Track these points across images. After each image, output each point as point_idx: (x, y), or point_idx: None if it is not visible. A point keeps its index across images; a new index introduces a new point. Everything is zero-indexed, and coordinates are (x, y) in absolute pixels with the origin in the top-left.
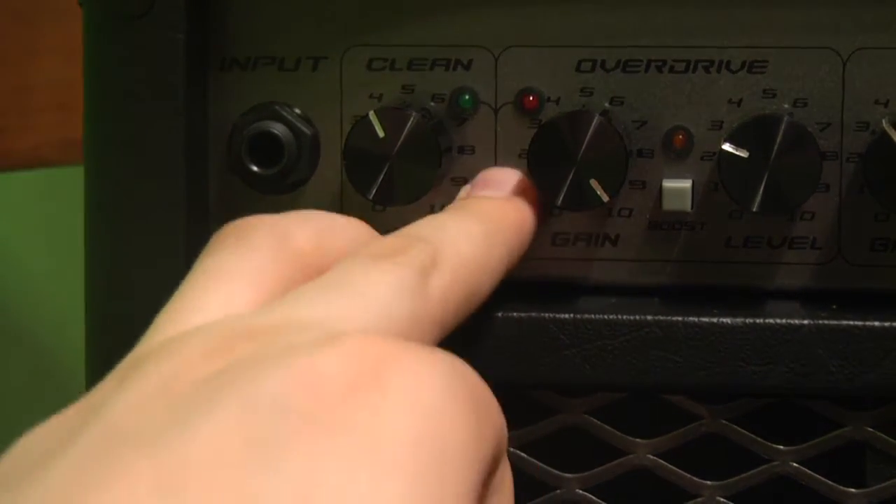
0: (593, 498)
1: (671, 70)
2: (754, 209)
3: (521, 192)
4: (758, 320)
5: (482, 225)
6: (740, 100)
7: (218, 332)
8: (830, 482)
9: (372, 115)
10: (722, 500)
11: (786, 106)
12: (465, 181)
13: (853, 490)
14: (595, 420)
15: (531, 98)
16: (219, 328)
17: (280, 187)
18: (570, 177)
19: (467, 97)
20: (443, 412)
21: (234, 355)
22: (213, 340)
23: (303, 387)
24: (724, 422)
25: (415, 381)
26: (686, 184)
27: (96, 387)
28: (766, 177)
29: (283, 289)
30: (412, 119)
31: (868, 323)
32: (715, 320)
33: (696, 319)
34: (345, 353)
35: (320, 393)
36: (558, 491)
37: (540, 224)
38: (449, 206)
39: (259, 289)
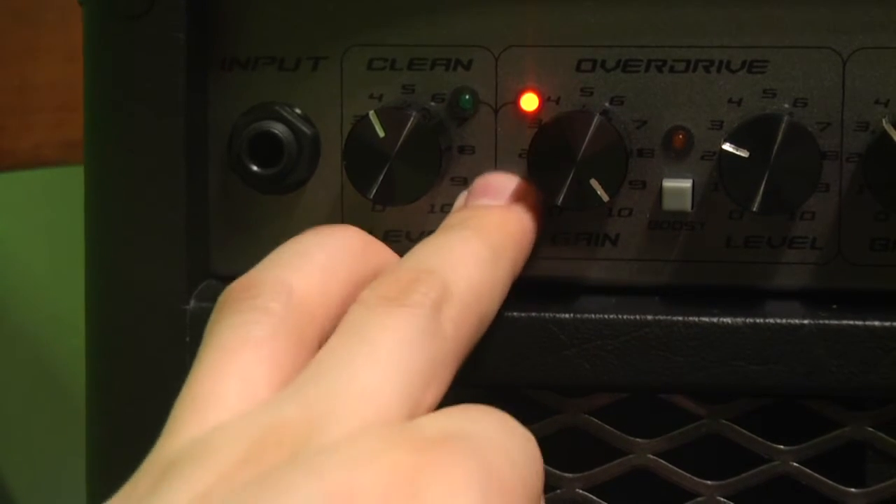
0: (593, 498)
1: (671, 70)
2: (754, 209)
3: (520, 198)
4: (758, 320)
5: (487, 244)
6: (740, 100)
7: (246, 437)
8: (830, 482)
9: (372, 115)
10: (722, 499)
11: (786, 106)
12: (465, 181)
13: (853, 490)
14: (595, 420)
15: (531, 98)
16: (245, 430)
17: (280, 187)
18: (571, 177)
19: (467, 97)
20: None
21: (265, 463)
22: (243, 447)
23: (339, 501)
24: (724, 422)
25: (452, 497)
26: (686, 184)
27: (129, 484)
28: (766, 177)
29: (300, 353)
30: (412, 119)
31: (868, 323)
32: (715, 320)
33: (696, 319)
34: (380, 468)
35: None
36: (558, 491)
37: (540, 229)
38: (449, 221)
39: (275, 361)
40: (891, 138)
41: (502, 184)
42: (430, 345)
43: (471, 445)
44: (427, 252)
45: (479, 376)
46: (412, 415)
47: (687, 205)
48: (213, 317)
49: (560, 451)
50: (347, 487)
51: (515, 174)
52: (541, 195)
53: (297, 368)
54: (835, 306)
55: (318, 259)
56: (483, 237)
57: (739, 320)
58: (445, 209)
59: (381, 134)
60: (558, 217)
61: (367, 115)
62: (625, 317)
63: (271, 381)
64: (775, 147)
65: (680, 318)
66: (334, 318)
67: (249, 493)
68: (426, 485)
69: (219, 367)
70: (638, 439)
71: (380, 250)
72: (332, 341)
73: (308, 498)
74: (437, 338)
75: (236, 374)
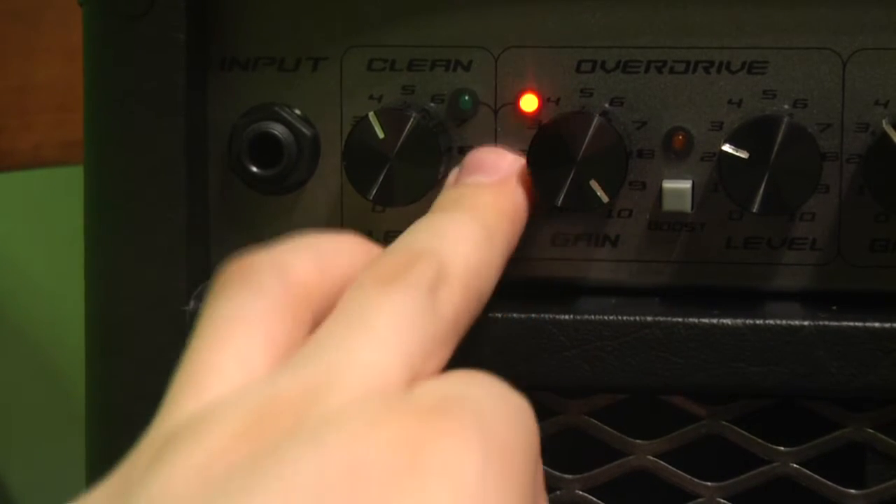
0: (593, 499)
1: (671, 70)
2: (754, 210)
3: (512, 174)
4: (758, 321)
5: (482, 224)
6: (740, 100)
7: (245, 409)
8: (830, 483)
9: (372, 116)
10: (722, 501)
11: (786, 106)
12: None
13: (853, 491)
14: (595, 421)
15: (531, 99)
16: (244, 403)
17: (280, 188)
18: (571, 177)
19: (467, 98)
20: (485, 491)
21: (265, 436)
22: (241, 420)
23: (341, 473)
24: (724, 423)
25: (455, 463)
26: (686, 184)
27: (128, 460)
28: (766, 178)
29: (295, 330)
30: (412, 120)
31: (868, 324)
32: (715, 321)
33: (696, 320)
34: (381, 437)
35: (359, 479)
36: (559, 492)
37: (533, 205)
38: (441, 200)
39: (271, 336)
40: (891, 139)
41: (494, 160)
42: (428, 324)
43: (471, 411)
44: (422, 233)
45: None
46: (411, 387)
47: (687, 206)
48: (209, 294)
49: (560, 453)
50: (348, 458)
51: (506, 149)
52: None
53: (294, 346)
54: (835, 307)
55: (320, 246)
56: (477, 217)
57: (739, 321)
58: None
59: (381, 135)
60: (558, 218)
61: (367, 115)
62: (625, 318)
63: (268, 356)
64: (775, 148)
65: (680, 320)
66: (332, 301)
67: (248, 466)
68: (428, 452)
69: (215, 343)
70: (638, 440)
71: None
72: (330, 321)
73: (308, 470)
74: (434, 316)
75: (233, 348)
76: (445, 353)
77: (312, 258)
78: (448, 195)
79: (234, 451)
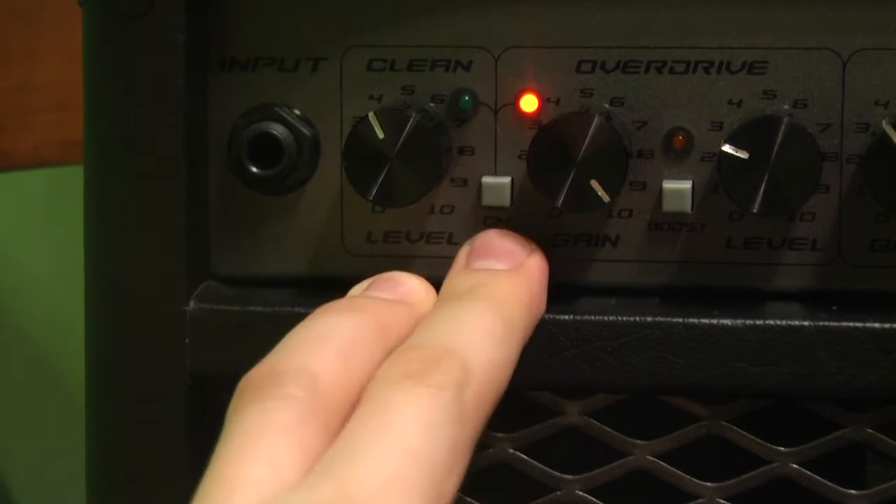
0: (593, 499)
1: (671, 70)
2: (754, 210)
3: (526, 259)
4: (758, 322)
5: (501, 317)
6: (740, 100)
7: None
8: (830, 484)
9: (372, 116)
10: (722, 501)
11: (786, 107)
12: (464, 182)
13: (853, 492)
14: (595, 421)
15: (531, 99)
16: None
17: (280, 188)
18: (571, 178)
19: (467, 98)
20: None
21: None
22: None
23: None
24: (724, 423)
25: None
26: (686, 185)
27: None
28: (766, 178)
29: (325, 438)
30: (412, 120)
31: (868, 324)
32: (715, 322)
33: (696, 321)
34: None
35: None
36: (558, 492)
37: (547, 289)
38: (454, 284)
39: (302, 447)
40: (891, 139)
41: (506, 245)
42: (454, 428)
43: None
44: (442, 327)
45: None
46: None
47: (687, 206)
48: (233, 404)
49: (560, 453)
50: None
51: (515, 233)
52: (545, 259)
53: (323, 453)
54: (835, 308)
55: (337, 341)
56: (496, 310)
57: (739, 322)
58: (445, 210)
59: (381, 135)
60: (558, 218)
61: (367, 116)
62: (625, 318)
63: (299, 465)
64: (775, 148)
65: (680, 320)
66: (357, 398)
67: None
68: None
69: (246, 452)
70: (638, 441)
71: (397, 321)
72: (355, 422)
73: None
74: (459, 420)
75: (265, 458)
76: (466, 461)
77: (335, 356)
78: (462, 281)
79: None
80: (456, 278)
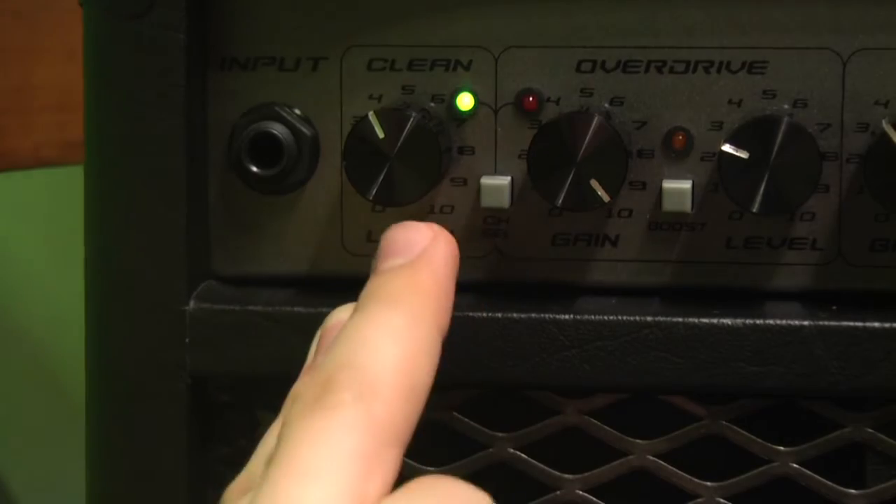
0: (593, 499)
1: (671, 70)
2: (754, 210)
3: (428, 247)
4: (758, 321)
5: (399, 311)
6: (740, 100)
7: None
8: (830, 483)
9: (372, 116)
10: (722, 501)
11: (786, 106)
12: (464, 182)
13: (853, 491)
14: (595, 421)
15: (531, 98)
16: None
17: (280, 188)
18: (571, 177)
19: (467, 98)
20: None
21: None
22: None
23: None
24: (723, 423)
25: None
26: (686, 184)
27: None
28: (766, 177)
29: None
30: (412, 119)
31: (868, 324)
32: (715, 321)
33: (696, 320)
34: None
35: None
36: (558, 492)
37: (456, 272)
38: (361, 296)
39: None
40: (891, 139)
41: (407, 237)
42: (363, 437)
43: None
44: (341, 344)
45: (480, 377)
46: None
47: (687, 206)
48: None
49: (560, 452)
50: None
51: (419, 223)
52: (454, 239)
53: None
54: (835, 307)
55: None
56: (394, 306)
57: (739, 321)
58: (445, 210)
59: (381, 134)
60: (558, 218)
61: (367, 115)
62: (624, 318)
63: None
64: (775, 148)
65: (680, 320)
66: None
67: None
68: None
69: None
70: (637, 440)
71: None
72: (271, 465)
73: None
74: (369, 428)
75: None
76: (393, 458)
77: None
78: (366, 290)
79: None
80: (365, 287)
